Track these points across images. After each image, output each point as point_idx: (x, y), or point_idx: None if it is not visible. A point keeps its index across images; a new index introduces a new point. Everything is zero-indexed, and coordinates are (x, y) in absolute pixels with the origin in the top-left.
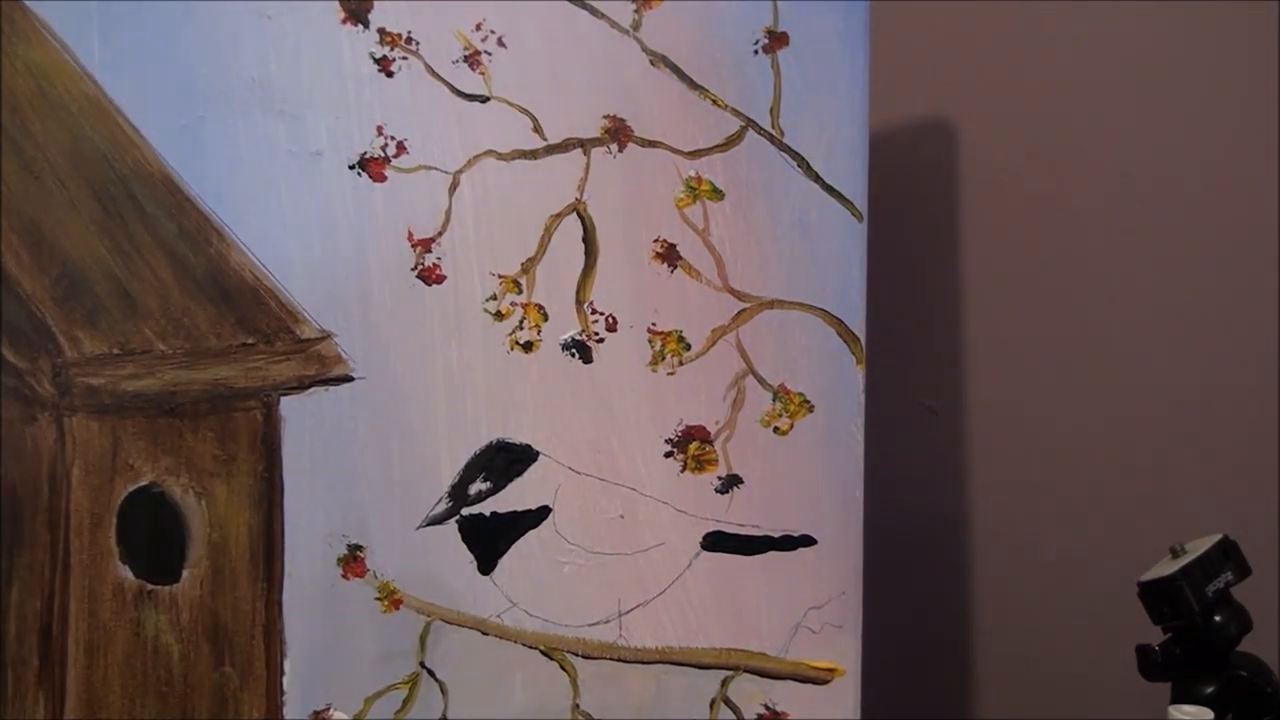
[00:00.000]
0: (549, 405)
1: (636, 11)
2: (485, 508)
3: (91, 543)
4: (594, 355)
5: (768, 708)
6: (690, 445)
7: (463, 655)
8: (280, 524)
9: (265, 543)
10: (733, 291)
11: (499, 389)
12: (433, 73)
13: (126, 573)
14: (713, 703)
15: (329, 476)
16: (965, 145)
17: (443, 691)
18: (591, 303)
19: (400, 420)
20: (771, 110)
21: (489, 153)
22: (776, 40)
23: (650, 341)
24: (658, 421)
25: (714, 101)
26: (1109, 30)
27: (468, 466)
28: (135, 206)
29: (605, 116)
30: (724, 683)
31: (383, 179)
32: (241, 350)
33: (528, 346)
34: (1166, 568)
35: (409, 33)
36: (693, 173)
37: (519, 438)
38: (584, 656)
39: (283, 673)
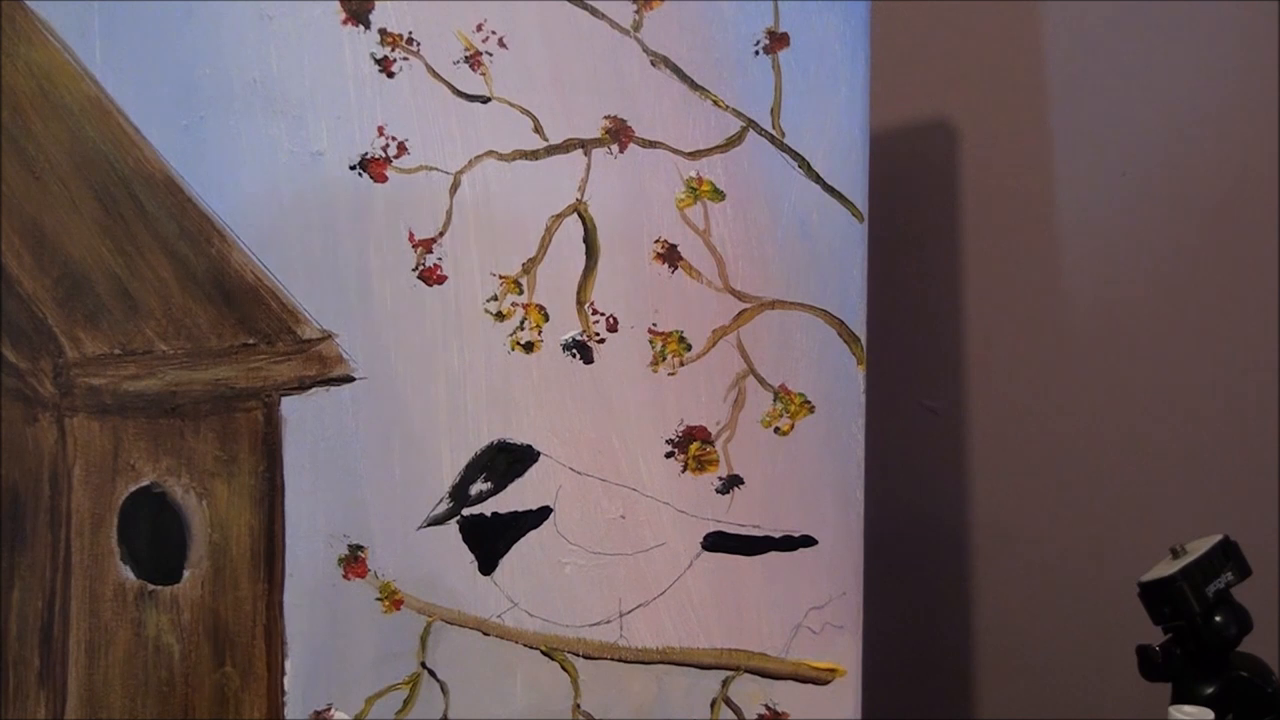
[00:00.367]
0: (550, 406)
1: (637, 12)
2: (486, 508)
3: (92, 543)
4: (595, 356)
5: (768, 708)
6: (691, 445)
7: (463, 655)
8: (281, 524)
9: (266, 543)
10: (733, 292)
11: (500, 389)
12: (434, 73)
13: (127, 573)
14: (713, 703)
15: (330, 477)
16: (965, 145)
17: (443, 692)
18: (592, 303)
19: (401, 421)
20: (772, 111)
21: (490, 153)
22: (777, 41)
23: (651, 342)
24: (658, 422)
25: (714, 102)
26: (1109, 30)
27: (468, 467)
28: (136, 207)
29: (606, 117)
30: (725, 683)
31: (384, 179)
32: (242, 350)
33: (529, 347)
34: (1166, 568)
35: (410, 33)
36: (693, 173)
37: (520, 438)
38: (585, 657)
39: (283, 673)
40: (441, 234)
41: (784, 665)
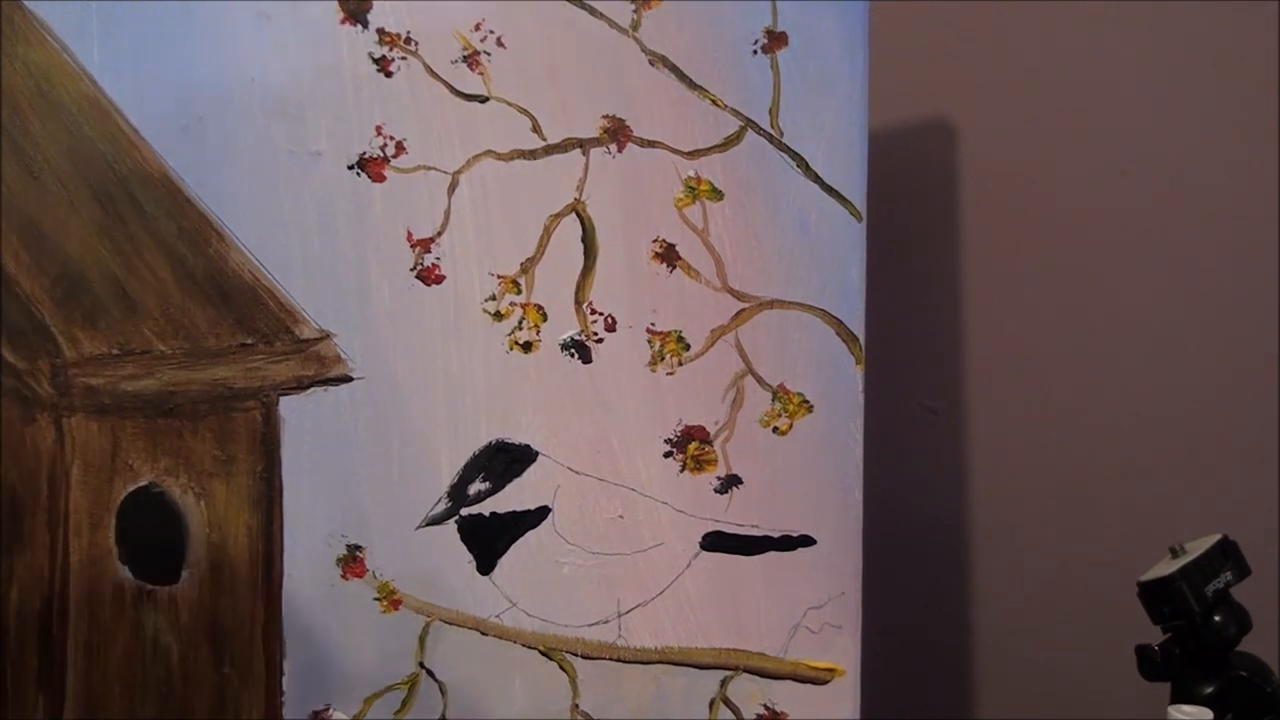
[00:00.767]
0: (548, 405)
1: (636, 11)
2: (485, 508)
3: (91, 543)
4: (593, 355)
5: (767, 708)
6: (689, 445)
7: (462, 655)
8: (280, 524)
9: (264, 543)
10: (732, 291)
11: (498, 389)
12: (432, 73)
13: (126, 573)
14: (712, 703)
15: (328, 477)
16: (965, 145)
17: (442, 692)
18: (591, 303)
19: (400, 420)
20: (771, 110)
21: (488, 153)
22: (776, 40)
23: (649, 342)
24: (657, 421)
25: (713, 101)
26: (1109, 30)
27: (467, 467)
28: (135, 207)
29: (604, 116)
30: (723, 683)
31: (382, 179)
32: (241, 350)
33: (527, 347)
34: (1166, 568)
35: (408, 33)
36: (692, 173)
37: (518, 438)
38: (583, 657)
39: (282, 673)
40: (440, 234)
41: (783, 665)
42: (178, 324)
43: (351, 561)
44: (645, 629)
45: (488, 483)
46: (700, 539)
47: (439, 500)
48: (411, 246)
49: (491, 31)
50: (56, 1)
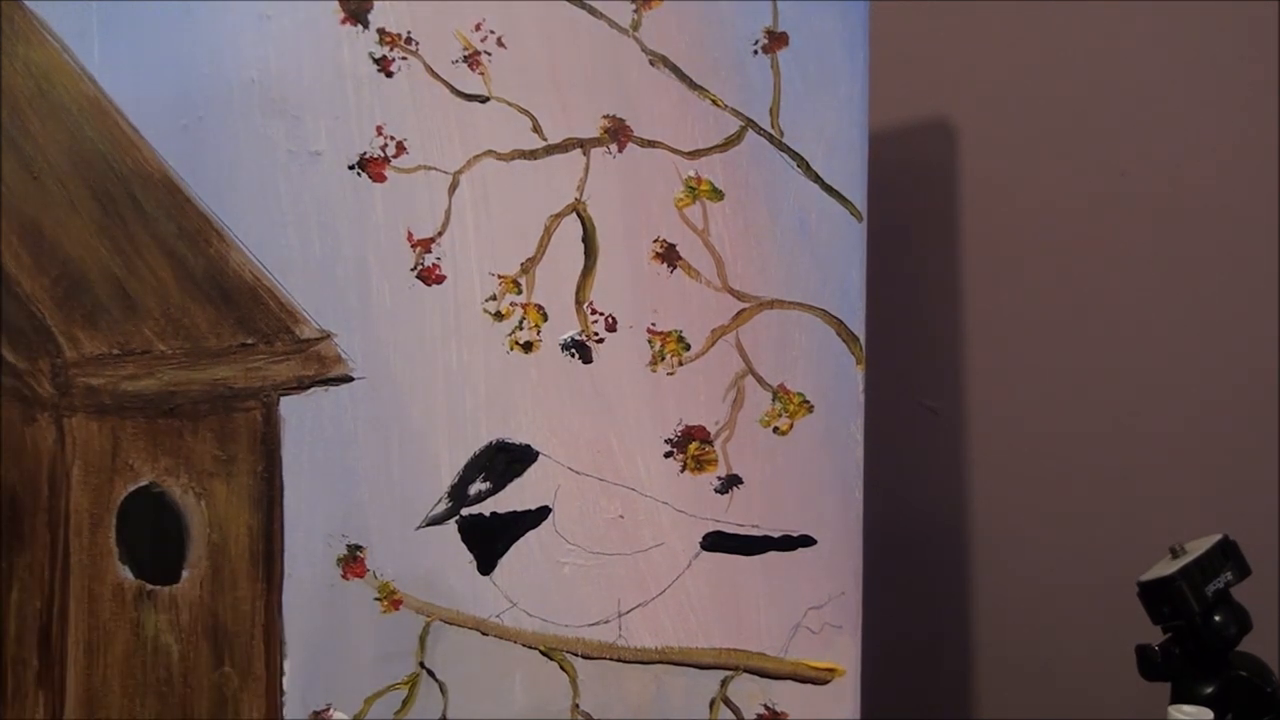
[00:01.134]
0: (549, 405)
1: (636, 11)
2: (485, 508)
3: (91, 543)
4: (594, 355)
5: (767, 708)
6: (690, 445)
7: (462, 655)
8: (280, 524)
9: (265, 543)
10: (732, 291)
11: (499, 389)
12: (432, 73)
13: (126, 573)
14: (712, 703)
15: (329, 476)
16: (965, 145)
17: (442, 692)
18: (591, 303)
19: (400, 420)
20: (771, 110)
21: (488, 153)
22: (776, 40)
23: (650, 342)
24: (657, 421)
25: (714, 102)
26: (1109, 30)
27: (467, 467)
28: (135, 207)
29: (605, 117)
30: (724, 683)
31: (382, 179)
32: (241, 350)
33: (527, 347)
34: (1166, 568)
35: (408, 33)
36: (692, 173)
37: (519, 438)
38: (583, 657)
39: (282, 673)
40: (440, 234)
41: (783, 665)
42: (178, 324)
43: (352, 561)
44: (645, 629)
45: (488, 483)
46: (701, 539)
47: (439, 500)
48: (412, 246)
49: (492, 31)
50: (56, 1)
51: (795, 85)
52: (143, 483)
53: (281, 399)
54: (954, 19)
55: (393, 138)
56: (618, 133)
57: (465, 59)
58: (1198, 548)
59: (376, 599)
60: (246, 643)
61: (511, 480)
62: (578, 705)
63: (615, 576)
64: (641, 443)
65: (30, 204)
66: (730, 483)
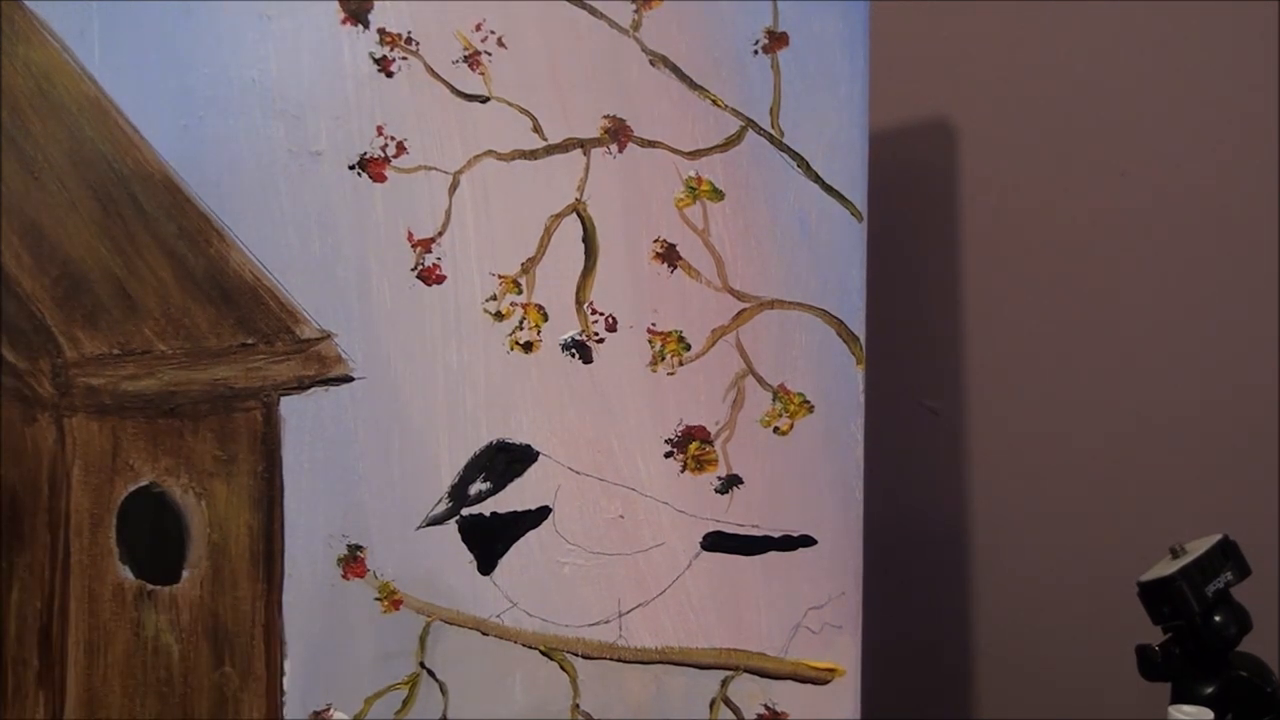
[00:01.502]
0: (549, 405)
1: (636, 11)
2: (485, 508)
3: (91, 543)
4: (594, 355)
5: (767, 708)
6: (690, 445)
7: (463, 655)
8: (280, 524)
9: (265, 543)
10: (732, 292)
11: (499, 389)
12: (432, 73)
13: (126, 573)
14: (713, 703)
15: (329, 476)
16: (965, 145)
17: (443, 692)
18: (591, 303)
19: (400, 420)
20: (771, 110)
21: (489, 153)
22: (776, 40)
23: (650, 342)
24: (658, 421)
25: (714, 102)
26: (1109, 30)
27: (468, 467)
28: (135, 206)
29: (605, 117)
30: (724, 683)
31: (382, 179)
32: (241, 350)
33: (528, 347)
34: (1166, 568)
35: (409, 33)
36: (692, 173)
37: (519, 438)
38: (584, 656)
39: (283, 673)
40: (440, 234)
41: (783, 665)
42: (178, 324)
43: (352, 561)
44: (646, 629)
45: (488, 483)
46: (701, 539)
47: (439, 500)
48: (412, 246)
49: (492, 32)
50: (57, 1)
51: (795, 85)
52: (143, 483)
53: (281, 399)
54: (954, 19)
55: (393, 138)
56: (618, 133)
57: (465, 59)
58: (1198, 548)
59: (377, 599)
60: (247, 643)
61: (511, 480)
62: (578, 705)
63: (615, 576)
64: (642, 443)
65: (30, 204)
66: (730, 483)
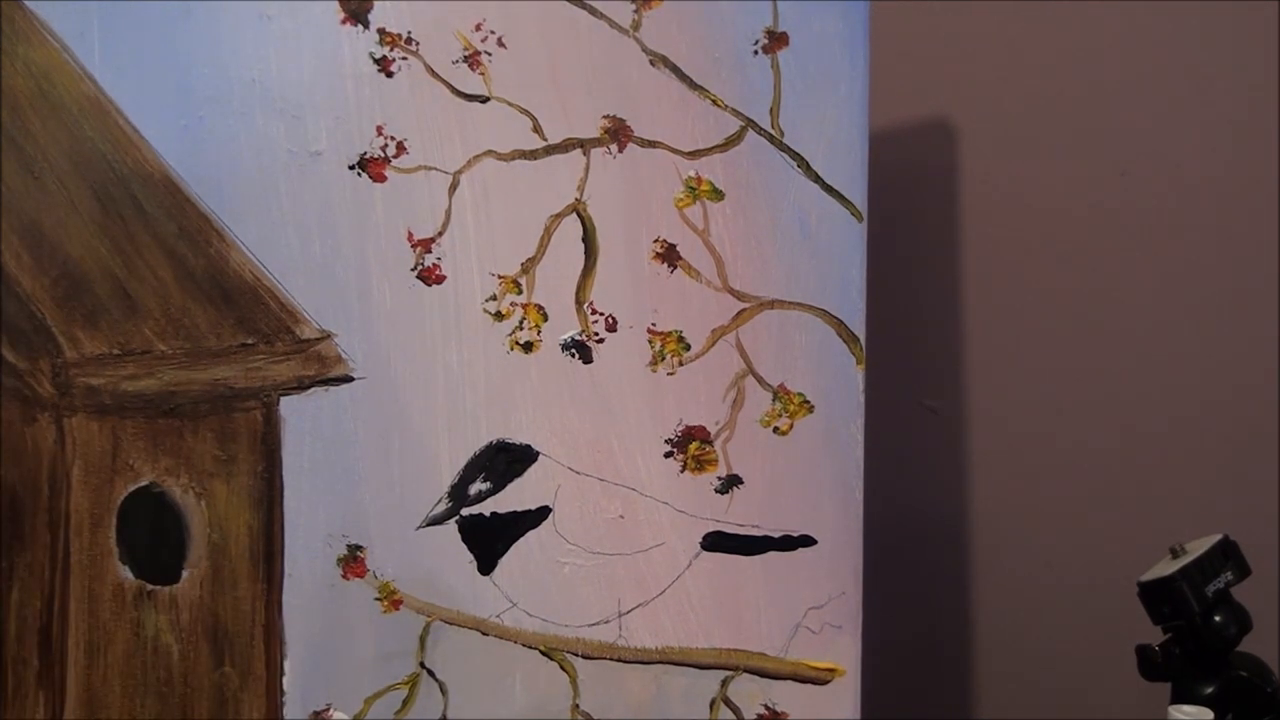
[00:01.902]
0: (549, 405)
1: (636, 11)
2: (485, 508)
3: (91, 543)
4: (594, 355)
5: (768, 708)
6: (690, 445)
7: (463, 655)
8: (280, 524)
9: (265, 543)
10: (732, 292)
11: (499, 389)
12: (432, 73)
13: (126, 573)
14: (713, 703)
15: (329, 476)
16: (965, 145)
17: (443, 691)
18: (591, 303)
19: (400, 420)
20: (771, 110)
21: (489, 153)
22: (776, 40)
23: (650, 342)
24: (658, 421)
25: (714, 102)
26: (1109, 30)
27: (468, 467)
28: (135, 207)
29: (605, 117)
30: (724, 683)
31: (382, 179)
32: (241, 350)
33: (528, 347)
34: (1166, 568)
35: (409, 33)
36: (692, 173)
37: (519, 438)
38: (584, 656)
39: (283, 673)
40: (440, 234)
41: (783, 665)
42: (178, 324)
43: (352, 561)
44: (646, 629)
45: (488, 483)
46: (701, 539)
47: (439, 500)
48: (412, 246)
49: (492, 32)
50: (57, 1)
51: (795, 85)
52: (143, 483)
53: (281, 399)
54: (954, 19)
55: (393, 138)
56: (618, 133)
57: (465, 59)
58: (1198, 548)
59: (376, 599)
60: (246, 643)
61: (511, 480)
62: (578, 705)
63: (615, 576)
64: (642, 443)
65: (30, 204)
66: (730, 483)
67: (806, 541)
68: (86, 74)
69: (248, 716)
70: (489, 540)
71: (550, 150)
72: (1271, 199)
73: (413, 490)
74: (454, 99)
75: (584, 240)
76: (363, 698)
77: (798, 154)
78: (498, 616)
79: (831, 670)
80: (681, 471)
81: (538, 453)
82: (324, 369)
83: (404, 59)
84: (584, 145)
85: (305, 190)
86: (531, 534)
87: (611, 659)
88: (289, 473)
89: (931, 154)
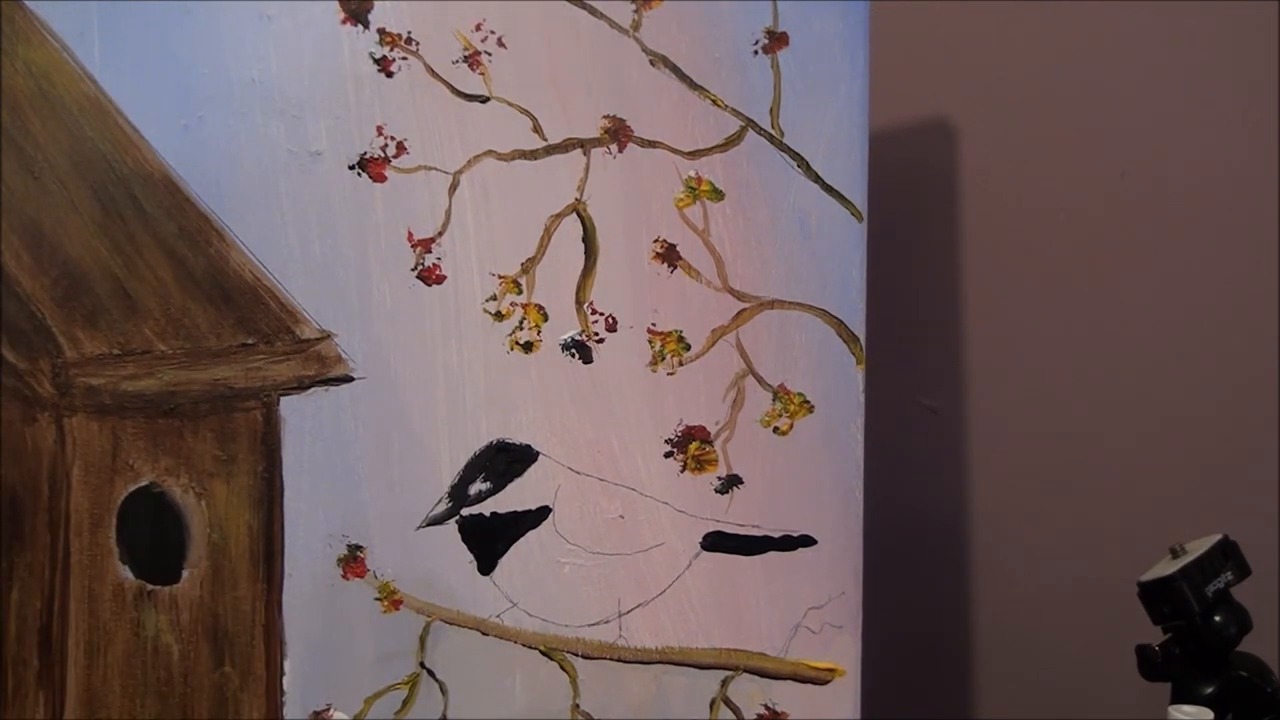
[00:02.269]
0: (549, 405)
1: (636, 11)
2: (485, 508)
3: (91, 543)
4: (594, 355)
5: (768, 708)
6: (690, 445)
7: (463, 655)
8: (280, 524)
9: (265, 543)
10: (732, 291)
11: (499, 389)
12: (432, 73)
13: (126, 573)
14: (713, 703)
15: (329, 476)
16: (965, 145)
17: (443, 691)
18: (591, 303)
19: (400, 420)
20: (771, 110)
21: (489, 153)
22: (776, 40)
23: (650, 342)
24: (658, 422)
25: (714, 101)
26: (1109, 30)
27: (468, 467)
28: (135, 206)
29: (605, 117)
30: (724, 683)
31: (383, 179)
32: (241, 350)
33: (528, 347)
34: (1166, 568)
35: (409, 33)
36: (692, 173)
37: (519, 438)
38: (584, 656)
39: (283, 673)
40: (440, 234)
41: (783, 665)
42: (178, 324)
43: (352, 561)
44: (646, 629)
45: (488, 483)
46: (701, 539)
47: (439, 500)
48: (412, 246)
49: (492, 32)
50: (57, 1)
51: (795, 85)
52: (143, 483)
53: (281, 399)
54: (954, 19)
55: (393, 138)
56: (618, 133)
57: (465, 59)
58: (1198, 548)
59: (376, 599)
60: (247, 643)
61: (511, 480)
62: (578, 705)
63: (615, 576)
64: (642, 443)
65: (30, 204)
66: (730, 483)
67: (806, 541)
68: (86, 74)
69: (248, 716)
70: (489, 540)
71: (550, 150)
72: (1271, 199)
73: (413, 490)
74: (454, 99)
75: (584, 240)
76: (363, 698)
77: (798, 154)
78: (498, 616)
79: (831, 670)
80: (681, 471)
81: (538, 453)
82: (324, 369)
83: (404, 59)
84: (584, 145)
85: (305, 190)
86: (531, 534)
87: (611, 659)
88: (289, 473)
89: (931, 154)
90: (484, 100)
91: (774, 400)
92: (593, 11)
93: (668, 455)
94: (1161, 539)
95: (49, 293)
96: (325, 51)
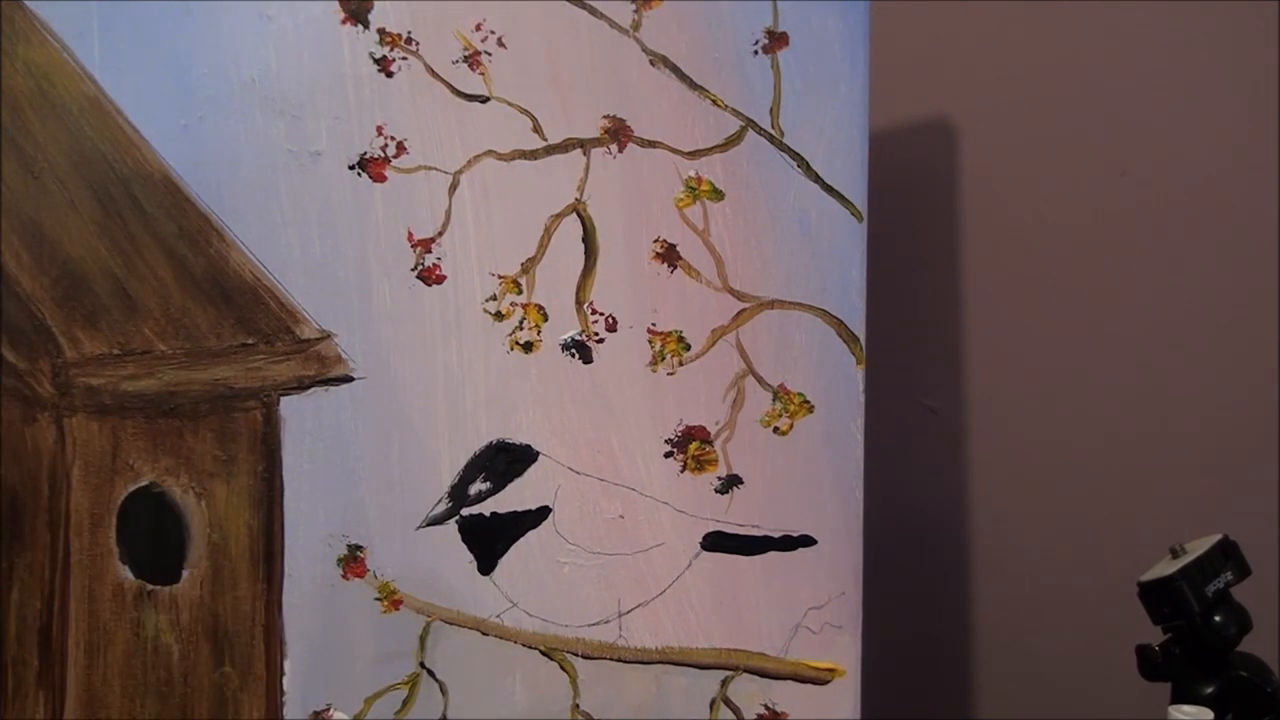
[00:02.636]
0: (549, 405)
1: (636, 11)
2: (485, 508)
3: (91, 543)
4: (594, 355)
5: (767, 708)
6: (690, 445)
7: (462, 655)
8: (280, 524)
9: (265, 543)
10: (732, 292)
11: (499, 389)
12: (432, 73)
13: (126, 573)
14: (713, 703)
15: (329, 476)
16: (965, 145)
17: (442, 691)
18: (591, 303)
19: (400, 420)
20: (771, 110)
21: (489, 153)
22: (776, 40)
23: (650, 342)
24: (658, 422)
25: (714, 102)
26: (1109, 30)
27: (468, 467)
28: (135, 206)
29: (605, 117)
30: (724, 683)
31: (383, 179)
32: (241, 350)
33: (528, 347)
34: (1166, 568)
35: (409, 33)
36: (692, 173)
37: (519, 438)
38: (584, 656)
39: (283, 673)
40: (440, 234)
41: (783, 665)
42: (178, 324)
43: (352, 561)
44: (646, 629)
45: (488, 483)
46: (701, 539)
47: (439, 500)
48: (412, 246)
49: (492, 32)
50: (57, 1)
51: (795, 85)
52: (143, 483)
53: (281, 399)
54: (954, 19)
55: (393, 138)
56: (618, 133)
57: (465, 59)
58: (1198, 548)
59: (376, 599)
60: (247, 643)
61: (511, 480)
62: (578, 705)
63: (615, 576)
64: (642, 443)
65: (30, 204)
66: (730, 483)
67: (806, 541)
68: (86, 74)
69: (248, 716)
70: (489, 540)
71: (550, 150)
72: (1271, 199)
73: (413, 490)
74: (454, 99)
75: (584, 240)
76: (363, 698)
77: (798, 154)
78: (498, 616)
79: (831, 670)
80: (681, 471)
81: (538, 453)
82: (324, 369)
83: (404, 59)
84: (584, 145)
85: (305, 190)
86: (531, 534)
87: (611, 659)
88: (289, 473)
89: (931, 154)
90: (484, 100)
91: (774, 400)
92: (593, 11)
93: (668, 455)
94: (1161, 539)
95: (49, 293)
96: (325, 51)
